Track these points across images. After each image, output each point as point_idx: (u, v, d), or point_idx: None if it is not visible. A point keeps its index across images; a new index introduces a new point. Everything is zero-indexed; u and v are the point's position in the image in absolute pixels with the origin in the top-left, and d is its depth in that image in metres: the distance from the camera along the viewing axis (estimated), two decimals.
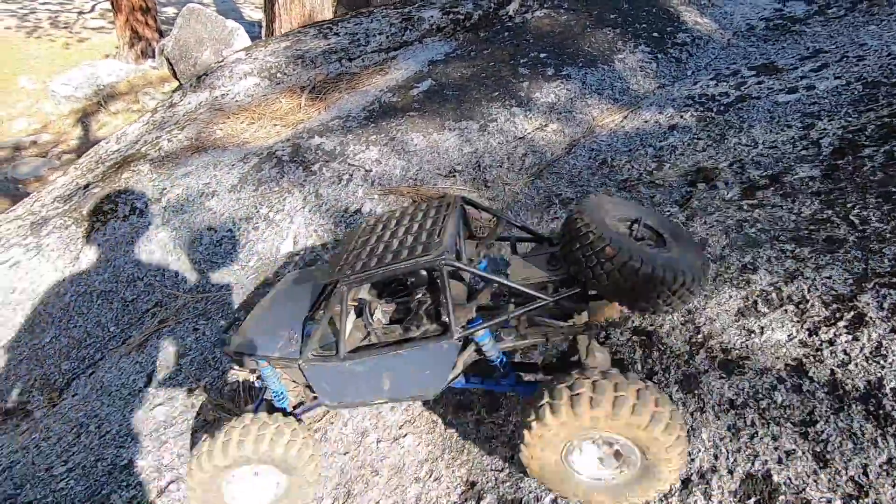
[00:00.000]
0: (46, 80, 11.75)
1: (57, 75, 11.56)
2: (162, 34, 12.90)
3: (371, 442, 1.74)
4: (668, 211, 2.08)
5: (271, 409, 1.34)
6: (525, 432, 0.98)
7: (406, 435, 1.71)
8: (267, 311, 1.29)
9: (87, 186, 3.40)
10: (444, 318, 1.01)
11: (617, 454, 1.00)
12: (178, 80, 10.74)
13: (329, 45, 4.15)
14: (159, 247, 2.80)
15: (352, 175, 3.02)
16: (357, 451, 1.71)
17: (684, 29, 3.61)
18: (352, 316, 1.15)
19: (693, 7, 3.78)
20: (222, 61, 4.42)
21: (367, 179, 2.99)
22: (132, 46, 12.30)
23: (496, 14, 4.06)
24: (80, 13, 14.74)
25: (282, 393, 1.33)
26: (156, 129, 3.87)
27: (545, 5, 3.91)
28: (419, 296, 1.08)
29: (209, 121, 3.70)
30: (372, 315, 1.11)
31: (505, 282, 0.99)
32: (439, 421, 1.70)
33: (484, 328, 1.00)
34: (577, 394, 0.89)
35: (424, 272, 1.09)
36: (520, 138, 3.09)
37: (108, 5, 15.62)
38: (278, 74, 4.00)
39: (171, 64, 9.91)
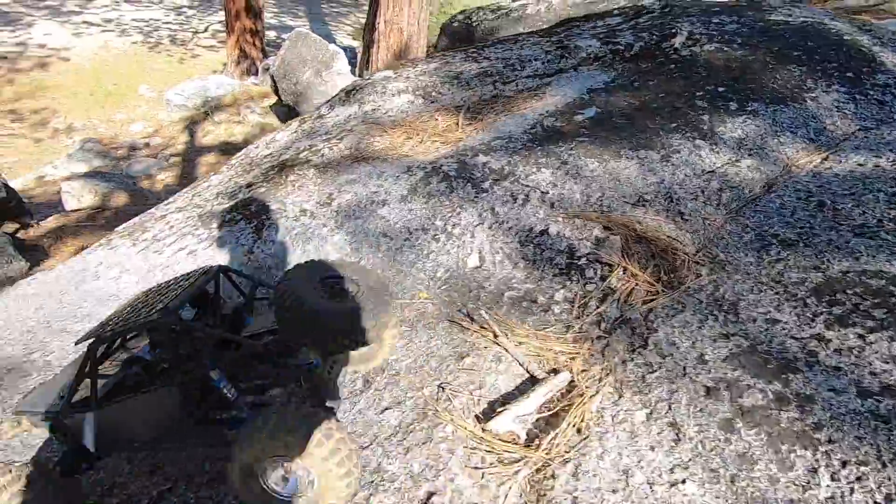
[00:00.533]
0: (162, 89, 12.59)
1: (172, 86, 12.40)
2: (265, 54, 13.67)
3: (640, 483, 1.50)
4: None
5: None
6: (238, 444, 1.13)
7: (685, 481, 1.48)
8: (47, 385, 1.34)
9: (249, 186, 3.41)
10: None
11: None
12: (278, 96, 11.17)
13: (482, 68, 4.13)
14: (335, 248, 2.72)
15: (527, 196, 2.88)
16: (626, 492, 1.48)
17: (883, 70, 3.35)
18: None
19: (888, 49, 3.51)
20: (369, 79, 4.47)
21: (545, 201, 2.85)
22: (238, 64, 13.04)
23: (658, 46, 3.92)
24: (195, 33, 15.86)
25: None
26: (307, 138, 3.90)
27: (715, 40, 3.74)
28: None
29: (366, 133, 3.69)
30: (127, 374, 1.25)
31: (213, 332, 1.18)
32: (721, 471, 1.46)
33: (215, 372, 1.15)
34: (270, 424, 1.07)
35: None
36: (709, 172, 2.87)
37: (219, 26, 16.79)
38: (433, 93, 3.98)
39: (274, 82, 10.37)
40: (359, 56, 10.80)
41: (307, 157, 3.50)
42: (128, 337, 1.31)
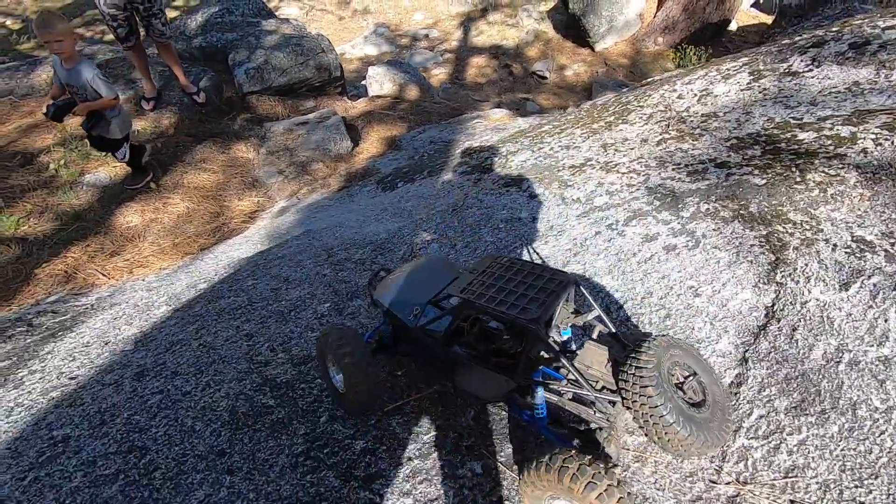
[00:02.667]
0: None
1: None
2: None
3: None
4: None
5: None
6: (524, 471, 1.02)
7: None
8: (405, 280, 1.37)
9: (716, 163, 2.56)
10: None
11: None
12: (564, 2, 9.50)
13: None
14: None
15: None
16: None
17: None
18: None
19: None
20: None
21: None
22: None
23: None
24: None
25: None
26: (779, 105, 2.59)
27: None
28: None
29: None
30: (473, 328, 1.20)
31: (567, 364, 1.04)
32: None
33: (537, 384, 1.07)
34: (566, 466, 0.91)
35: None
36: None
37: None
38: None
39: None
40: None
41: (821, 145, 2.40)
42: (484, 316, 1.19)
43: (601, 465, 0.92)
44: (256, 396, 1.33)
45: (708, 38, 7.88)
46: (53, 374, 1.71)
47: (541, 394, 1.06)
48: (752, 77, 2.23)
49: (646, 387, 0.96)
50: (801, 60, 2.14)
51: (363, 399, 1.21)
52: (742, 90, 2.18)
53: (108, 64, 4.74)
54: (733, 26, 8.14)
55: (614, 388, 1.06)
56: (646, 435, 1.06)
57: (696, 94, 2.31)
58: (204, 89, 4.66)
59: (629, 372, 0.99)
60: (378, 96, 6.39)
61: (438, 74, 9.23)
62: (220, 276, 2.28)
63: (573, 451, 0.94)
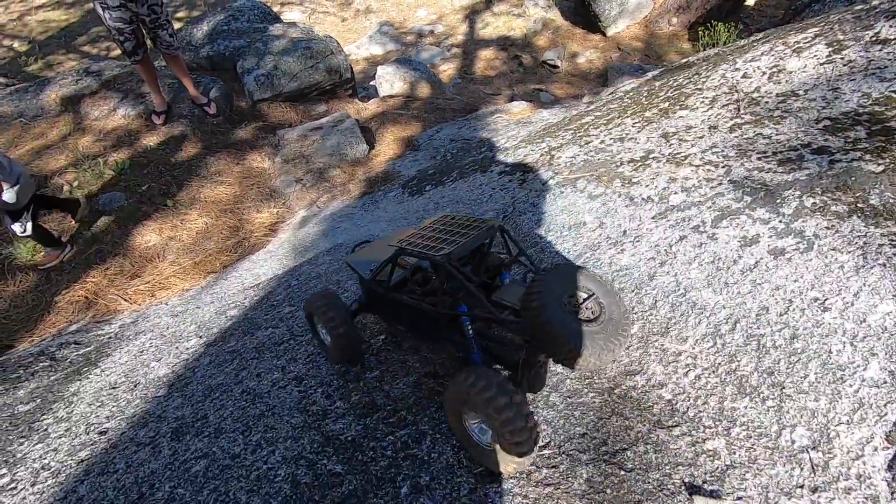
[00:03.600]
0: None
1: None
2: None
3: None
4: None
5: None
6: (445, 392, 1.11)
7: None
8: (376, 247, 1.52)
9: (824, 152, 2.32)
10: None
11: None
12: None
13: None
14: None
15: None
16: None
17: None
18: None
19: None
20: None
21: None
22: None
23: None
24: None
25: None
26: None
27: None
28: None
29: None
30: (415, 276, 1.37)
31: (475, 293, 1.10)
32: None
33: (462, 315, 1.16)
34: (475, 383, 0.99)
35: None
36: None
37: None
38: None
39: None
40: None
41: None
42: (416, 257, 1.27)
43: (505, 381, 0.96)
44: (319, 461, 1.11)
45: (724, 16, 7.53)
46: (81, 425, 1.52)
47: (468, 329, 1.13)
48: (831, 49, 1.95)
49: (533, 303, 0.99)
50: (891, 25, 1.86)
51: (346, 352, 1.37)
52: (821, 64, 1.91)
53: (116, 80, 4.56)
54: (750, 1, 7.78)
55: None
56: (544, 351, 1.08)
57: (764, 72, 2.04)
58: (214, 100, 4.46)
59: (526, 297, 1.02)
60: (389, 96, 6.16)
61: (447, 70, 8.96)
62: (250, 300, 2.07)
63: (481, 368, 1.01)
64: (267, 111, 4.86)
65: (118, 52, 9.04)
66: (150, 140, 4.12)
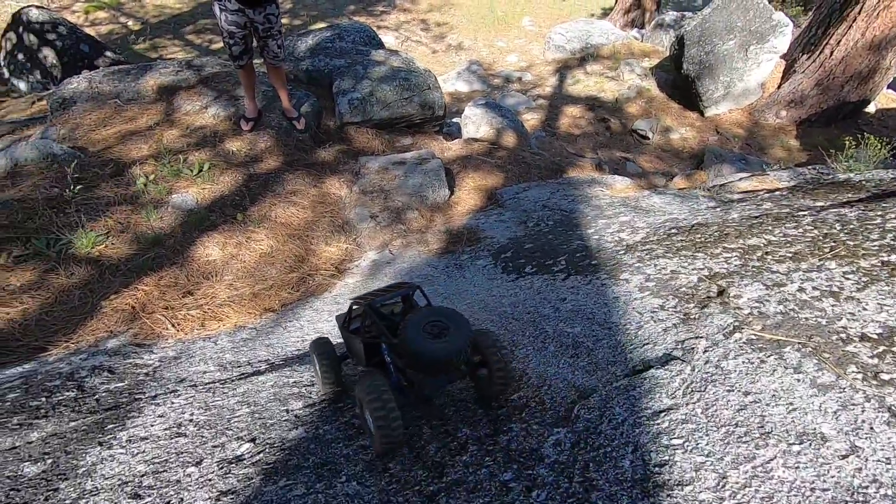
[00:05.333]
0: (543, 24, 12.01)
1: (553, 23, 11.66)
2: (659, 7, 11.65)
3: None
4: None
5: None
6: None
7: None
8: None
9: None
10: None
11: None
12: (677, 63, 7.92)
13: None
14: None
15: None
16: None
17: None
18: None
19: None
20: None
21: None
22: (627, 13, 11.38)
23: None
24: None
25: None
26: None
27: None
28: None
29: None
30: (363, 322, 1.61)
31: (381, 327, 1.44)
32: None
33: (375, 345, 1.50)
34: (362, 384, 1.32)
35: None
36: None
37: None
38: None
39: (680, 44, 8.40)
40: (802, 32, 8.00)
41: None
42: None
43: (382, 385, 1.27)
44: None
45: (840, 118, 6.96)
46: None
47: (386, 354, 1.42)
48: None
49: (402, 327, 1.32)
50: None
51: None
52: None
53: (214, 77, 4.48)
54: (871, 108, 7.18)
55: None
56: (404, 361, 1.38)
57: None
58: (304, 115, 4.29)
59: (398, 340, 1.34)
60: (474, 139, 5.89)
61: (530, 120, 8.72)
62: (317, 394, 1.71)
63: (369, 375, 1.32)
64: (353, 135, 4.66)
65: (219, 45, 9.34)
66: (234, 145, 3.96)
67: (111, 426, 1.60)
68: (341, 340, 1.81)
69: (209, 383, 1.81)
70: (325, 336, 1.70)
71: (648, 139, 7.69)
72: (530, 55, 10.77)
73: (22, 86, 6.30)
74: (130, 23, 9.95)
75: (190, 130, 3.99)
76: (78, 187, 3.17)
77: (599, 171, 6.46)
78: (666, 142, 7.67)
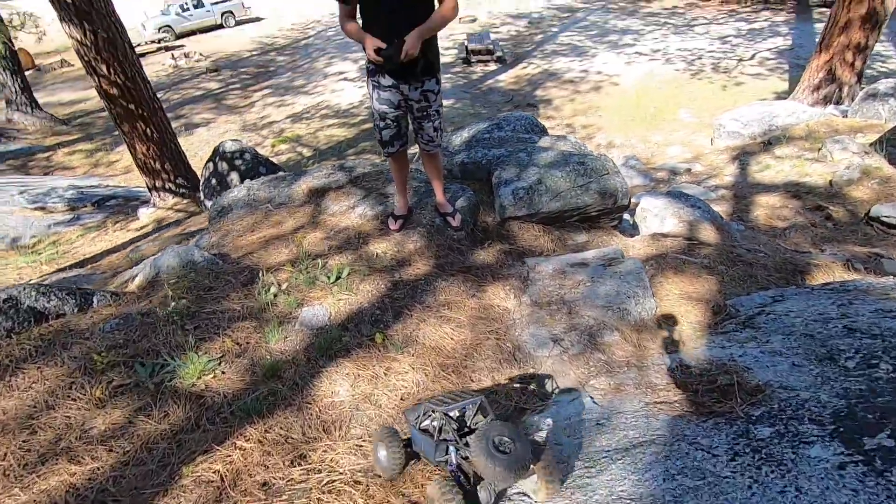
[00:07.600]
0: (703, 115, 10.70)
1: (715, 112, 10.31)
2: (860, 80, 9.58)
3: None
4: None
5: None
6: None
7: None
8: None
9: None
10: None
11: None
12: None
13: None
14: None
15: None
16: None
17: None
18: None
19: None
20: None
21: None
22: (818, 89, 9.47)
23: None
24: (740, 60, 13.37)
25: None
26: None
27: None
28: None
29: None
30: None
31: (453, 433, 1.63)
32: None
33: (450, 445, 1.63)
34: (436, 486, 1.48)
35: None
36: None
37: (767, 54, 13.71)
38: None
39: None
40: None
41: None
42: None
43: (453, 489, 1.45)
44: None
45: None
46: None
47: (452, 453, 1.58)
48: None
49: (471, 441, 1.50)
50: None
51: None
52: None
53: (364, 177, 4.00)
54: None
55: None
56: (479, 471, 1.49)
57: None
58: (460, 210, 3.46)
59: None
60: (662, 234, 4.50)
61: (717, 211, 7.06)
62: None
63: (445, 479, 1.50)
64: (516, 232, 3.67)
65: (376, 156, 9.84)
66: (379, 247, 3.21)
67: None
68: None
69: None
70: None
71: None
72: (695, 146, 9.38)
73: (208, 204, 6.86)
74: (305, 150, 11.13)
75: (333, 232, 3.38)
76: (194, 300, 2.57)
77: (855, 271, 4.54)
78: None
